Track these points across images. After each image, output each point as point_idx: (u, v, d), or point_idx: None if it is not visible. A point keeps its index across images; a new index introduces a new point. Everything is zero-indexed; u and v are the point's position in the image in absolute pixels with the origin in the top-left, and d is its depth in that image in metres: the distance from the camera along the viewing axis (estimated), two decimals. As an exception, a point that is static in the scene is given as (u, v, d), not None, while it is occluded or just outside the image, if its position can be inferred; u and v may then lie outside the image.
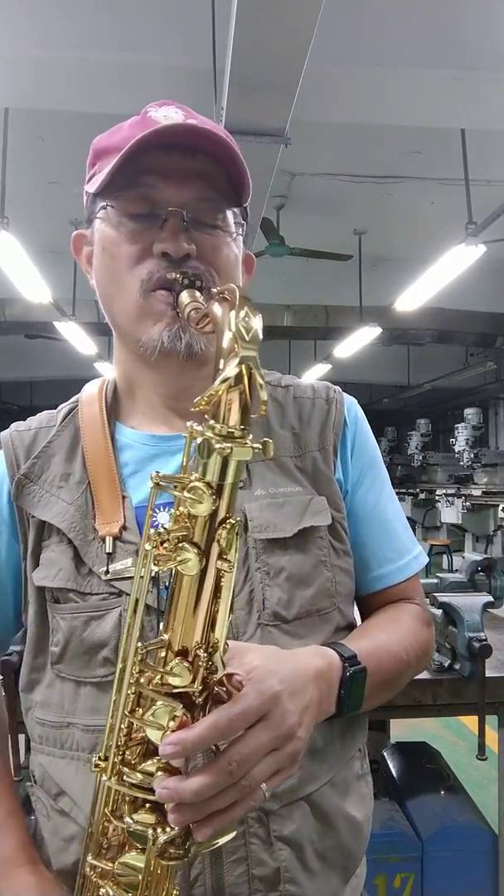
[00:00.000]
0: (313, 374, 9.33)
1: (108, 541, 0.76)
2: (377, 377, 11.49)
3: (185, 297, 0.70)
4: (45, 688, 0.78)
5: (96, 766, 0.61)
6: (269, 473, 0.81)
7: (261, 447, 0.54)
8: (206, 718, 0.55)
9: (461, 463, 10.53)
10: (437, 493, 10.07)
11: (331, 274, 6.89)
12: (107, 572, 0.74)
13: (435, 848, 1.79)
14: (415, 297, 5.79)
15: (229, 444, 0.52)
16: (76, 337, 7.31)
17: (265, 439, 0.55)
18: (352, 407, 0.90)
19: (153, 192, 0.76)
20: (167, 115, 0.78)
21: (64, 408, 0.89)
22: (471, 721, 1.66)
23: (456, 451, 10.70)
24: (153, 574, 0.58)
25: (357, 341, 7.75)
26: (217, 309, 0.59)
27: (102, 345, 8.77)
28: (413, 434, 13.40)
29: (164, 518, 0.77)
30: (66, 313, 6.56)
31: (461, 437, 10.49)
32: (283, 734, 0.58)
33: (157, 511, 0.78)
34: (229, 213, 0.80)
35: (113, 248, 0.77)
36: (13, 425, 0.89)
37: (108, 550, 0.75)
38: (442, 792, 2.04)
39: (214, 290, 0.60)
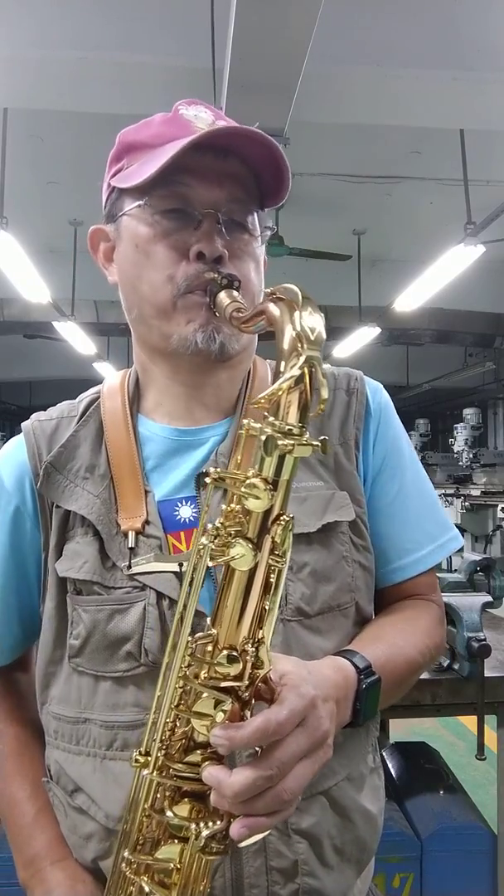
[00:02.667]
0: (312, 374, 9.30)
1: (131, 535, 0.76)
2: (376, 377, 11.33)
3: (223, 297, 0.71)
4: (63, 682, 0.78)
5: (136, 761, 0.60)
6: None
7: (319, 445, 0.55)
8: (254, 720, 0.55)
9: (460, 463, 10.55)
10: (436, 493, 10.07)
11: (330, 274, 6.88)
12: (129, 567, 0.74)
13: (434, 848, 1.79)
14: (414, 297, 5.79)
15: (291, 442, 0.53)
16: (75, 337, 7.30)
17: (323, 437, 0.55)
18: (376, 394, 0.89)
19: (187, 191, 0.75)
20: (197, 114, 0.77)
21: (85, 398, 0.88)
22: (470, 721, 1.67)
23: (455, 451, 10.73)
24: (209, 567, 0.58)
25: (356, 341, 7.75)
26: (274, 308, 0.59)
27: (102, 345, 8.77)
28: (412, 434, 13.41)
29: (186, 512, 0.78)
30: (65, 313, 6.55)
31: (460, 438, 10.52)
32: (318, 740, 0.58)
33: (180, 504, 0.78)
34: (256, 216, 0.80)
35: (147, 245, 0.77)
36: (34, 415, 0.88)
37: (130, 545, 0.75)
38: (441, 792, 2.04)
39: (268, 291, 0.61)
